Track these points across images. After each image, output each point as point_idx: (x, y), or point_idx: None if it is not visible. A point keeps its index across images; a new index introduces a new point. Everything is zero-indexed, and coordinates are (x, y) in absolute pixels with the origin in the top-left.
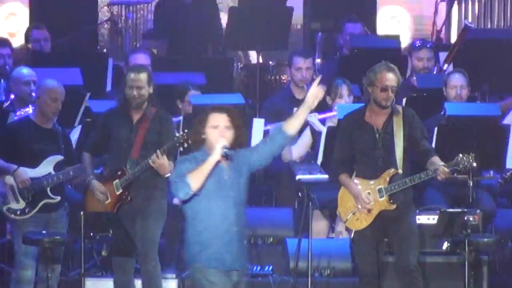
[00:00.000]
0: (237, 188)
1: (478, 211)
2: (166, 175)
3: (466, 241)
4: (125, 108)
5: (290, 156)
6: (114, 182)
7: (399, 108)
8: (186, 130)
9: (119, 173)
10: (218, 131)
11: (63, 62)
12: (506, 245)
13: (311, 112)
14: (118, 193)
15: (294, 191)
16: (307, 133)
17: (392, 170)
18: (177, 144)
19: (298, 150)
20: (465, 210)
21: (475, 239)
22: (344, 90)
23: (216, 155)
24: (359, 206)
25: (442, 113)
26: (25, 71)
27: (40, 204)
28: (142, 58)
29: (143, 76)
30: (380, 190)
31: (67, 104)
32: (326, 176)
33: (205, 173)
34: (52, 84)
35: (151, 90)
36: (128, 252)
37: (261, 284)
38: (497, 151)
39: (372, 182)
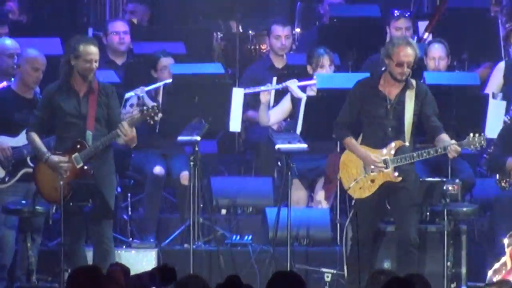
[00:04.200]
0: None
1: (457, 180)
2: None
3: (445, 210)
4: (69, 81)
5: (267, 120)
6: (74, 156)
7: (413, 82)
8: (155, 104)
9: (78, 146)
10: None
11: (43, 32)
12: (485, 214)
13: (291, 78)
14: (78, 166)
15: (273, 160)
16: (287, 99)
17: (398, 142)
18: (147, 118)
19: (276, 115)
20: (444, 179)
21: (454, 208)
22: (325, 60)
23: None
24: (372, 167)
25: (421, 82)
26: (8, 42)
27: (20, 173)
28: (120, 26)
29: (97, 48)
30: (385, 161)
31: (47, 73)
32: (305, 146)
33: None
34: (33, 53)
35: None
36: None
37: (241, 253)
38: (476, 120)
39: (377, 151)
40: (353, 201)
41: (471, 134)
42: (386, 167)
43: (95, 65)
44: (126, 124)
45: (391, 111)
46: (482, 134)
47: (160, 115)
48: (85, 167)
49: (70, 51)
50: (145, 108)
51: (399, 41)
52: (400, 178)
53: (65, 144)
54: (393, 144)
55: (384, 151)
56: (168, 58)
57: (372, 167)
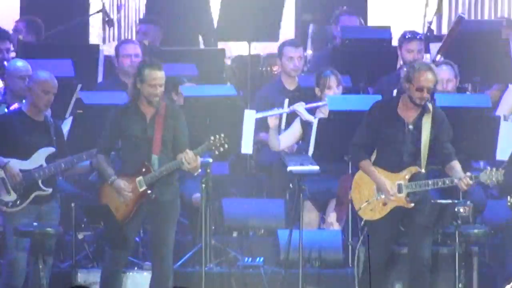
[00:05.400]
0: None
1: (468, 202)
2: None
3: (457, 232)
4: (136, 104)
5: (277, 144)
6: (138, 179)
7: (430, 106)
8: (222, 135)
9: (143, 170)
10: None
11: (54, 53)
12: (496, 236)
13: (303, 100)
14: (141, 190)
15: (285, 182)
16: (297, 124)
17: (414, 168)
18: (213, 147)
19: (286, 140)
20: (456, 201)
21: (465, 230)
22: (332, 81)
23: None
24: (382, 196)
25: (437, 106)
26: (20, 64)
27: (32, 196)
28: (132, 48)
29: (162, 72)
30: (399, 186)
31: (58, 95)
32: (317, 168)
33: None
34: (44, 76)
35: None
36: (118, 245)
37: (252, 275)
38: (487, 142)
39: (392, 175)
40: (363, 222)
41: (488, 168)
42: (400, 192)
43: (160, 89)
44: (190, 152)
45: (409, 135)
46: (500, 170)
47: (226, 146)
48: (148, 191)
49: (136, 75)
50: (211, 138)
51: (420, 66)
52: (412, 205)
53: (131, 166)
54: (409, 170)
55: (399, 175)
56: (191, 83)
57: (383, 196)
